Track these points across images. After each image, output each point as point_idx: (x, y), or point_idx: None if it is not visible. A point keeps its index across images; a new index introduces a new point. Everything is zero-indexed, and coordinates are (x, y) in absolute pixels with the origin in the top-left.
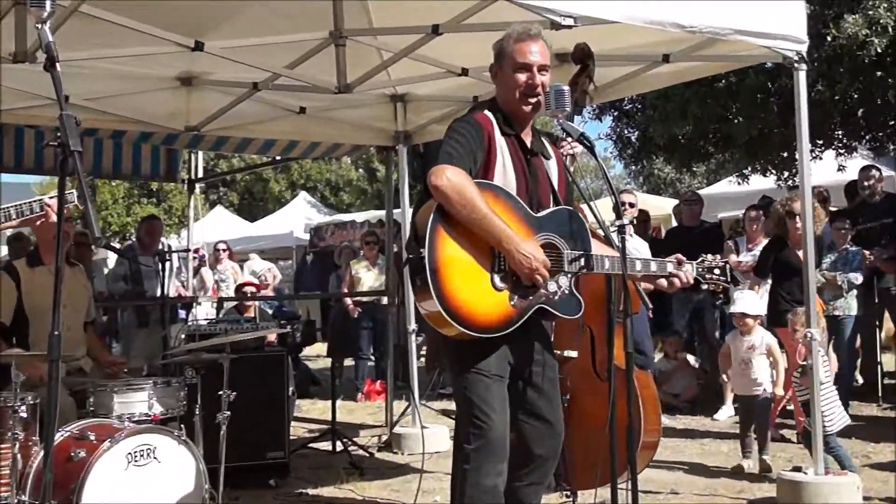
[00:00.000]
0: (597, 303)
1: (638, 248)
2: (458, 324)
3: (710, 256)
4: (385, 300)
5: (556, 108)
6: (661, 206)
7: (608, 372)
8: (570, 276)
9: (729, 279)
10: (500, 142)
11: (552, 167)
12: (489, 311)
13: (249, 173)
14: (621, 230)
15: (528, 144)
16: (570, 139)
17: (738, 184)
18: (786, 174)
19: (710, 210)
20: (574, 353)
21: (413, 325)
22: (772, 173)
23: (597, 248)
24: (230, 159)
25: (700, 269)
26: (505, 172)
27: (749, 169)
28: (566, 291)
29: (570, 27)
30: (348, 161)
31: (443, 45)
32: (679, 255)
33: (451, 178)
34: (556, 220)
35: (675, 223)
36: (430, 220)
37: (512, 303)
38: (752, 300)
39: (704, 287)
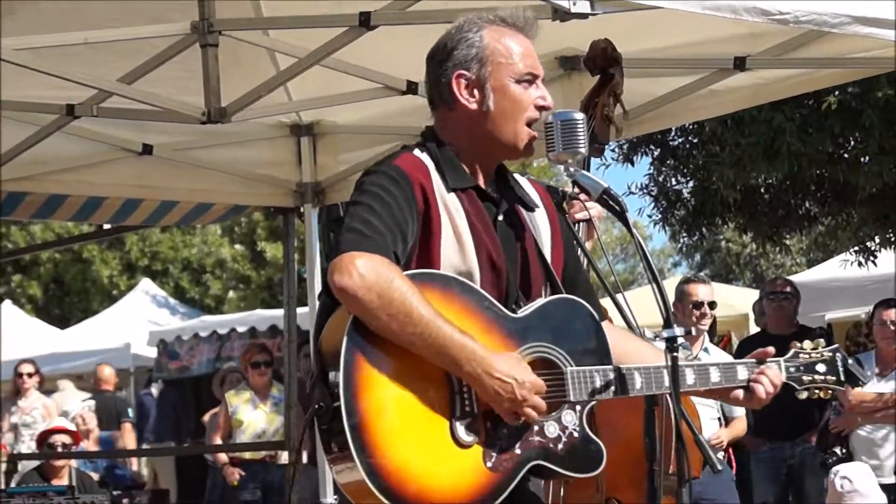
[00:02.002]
0: (630, 461)
1: None
2: None
3: (807, 343)
4: (285, 457)
5: (563, 150)
6: (731, 303)
7: None
8: (579, 409)
9: (842, 378)
10: (445, 200)
11: (540, 224)
12: (453, 483)
13: (59, 251)
14: (670, 344)
15: (491, 193)
16: (581, 197)
17: (860, 265)
18: None
19: (814, 307)
20: None
21: (331, 498)
22: None
23: (624, 347)
24: (30, 228)
25: (793, 368)
26: (459, 249)
27: (877, 240)
28: (576, 433)
29: (582, 16)
30: (218, 231)
31: (375, 45)
32: (760, 351)
33: (365, 273)
34: (548, 320)
35: (754, 328)
36: (343, 346)
37: (489, 464)
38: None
39: (803, 396)
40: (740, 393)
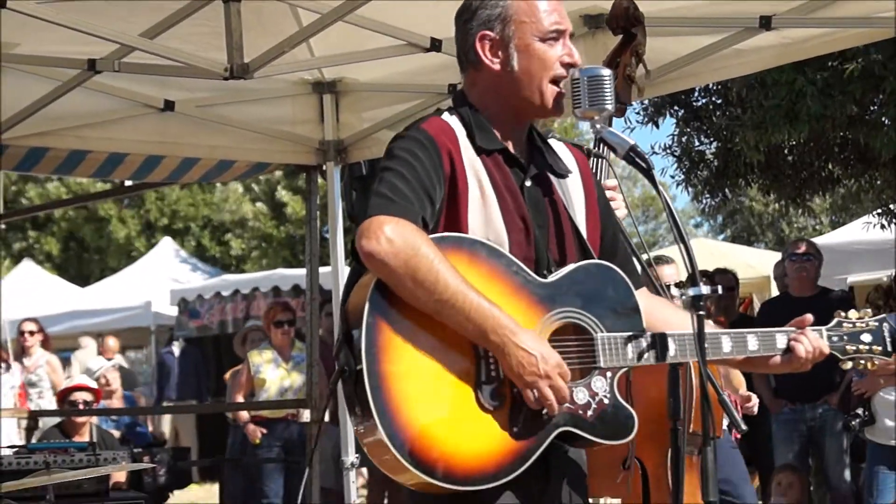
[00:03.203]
0: (650, 421)
1: None
2: (427, 472)
3: (853, 313)
4: (307, 415)
5: (590, 106)
6: (752, 263)
7: None
8: (609, 375)
9: (889, 348)
10: (474, 165)
11: (574, 191)
12: (478, 448)
13: (78, 208)
14: (696, 303)
15: (522, 158)
16: (606, 155)
17: (883, 227)
18: None
19: (836, 269)
20: (616, 503)
21: (352, 457)
22: None
23: (656, 314)
24: (46, 185)
25: (836, 337)
26: (486, 214)
27: None
28: (606, 400)
29: None
30: (240, 190)
31: (399, 2)
32: (798, 319)
33: (393, 238)
34: (579, 285)
35: (775, 291)
36: (365, 310)
37: (515, 429)
38: None
39: (848, 367)
40: (778, 358)
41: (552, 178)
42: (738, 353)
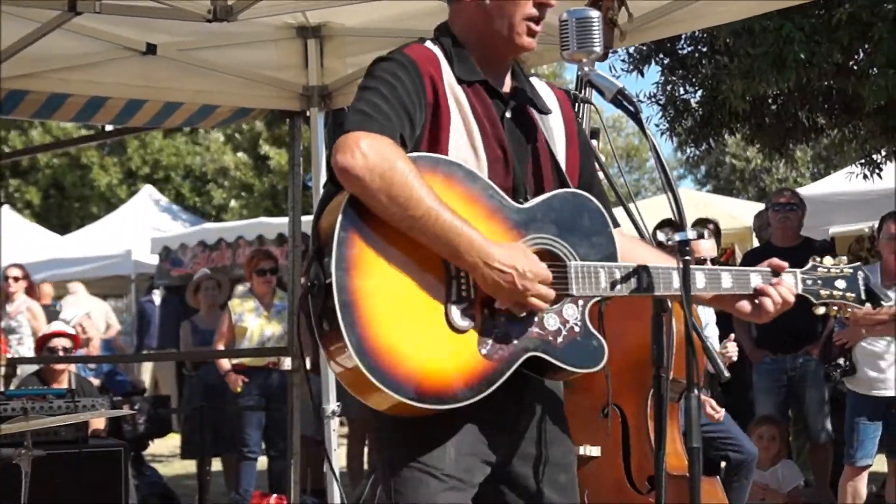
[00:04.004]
0: (629, 369)
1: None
2: (393, 388)
3: (828, 259)
4: (287, 363)
5: (577, 48)
6: (735, 214)
7: (657, 485)
8: (581, 304)
9: (863, 296)
10: (455, 92)
11: (554, 127)
12: (445, 367)
13: (59, 154)
14: (683, 248)
15: (505, 92)
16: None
17: (865, 178)
18: None
19: (818, 220)
20: (595, 451)
21: (333, 405)
22: None
23: (632, 252)
24: (28, 131)
25: (810, 281)
26: (467, 140)
27: (883, 153)
28: (577, 328)
29: None
30: (221, 138)
31: None
32: (775, 261)
33: (368, 153)
34: (554, 212)
35: (757, 242)
36: (336, 224)
37: (483, 350)
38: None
39: (820, 312)
40: (746, 305)
41: (534, 113)
42: (711, 289)
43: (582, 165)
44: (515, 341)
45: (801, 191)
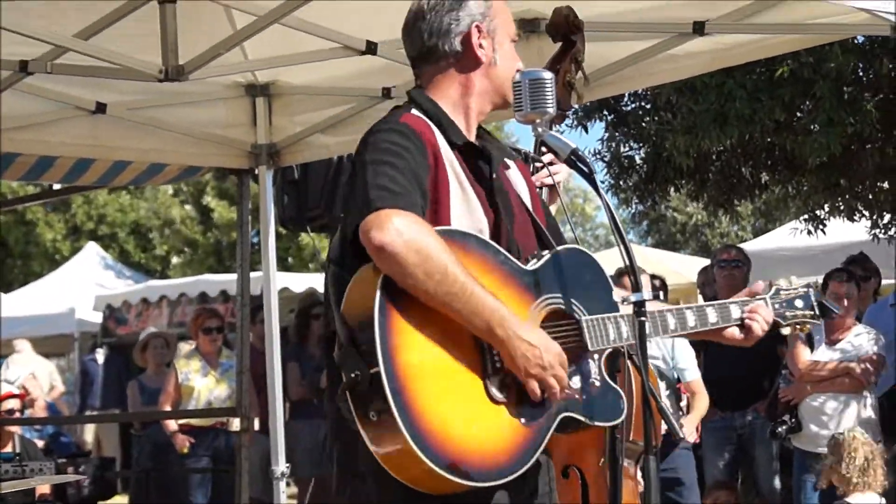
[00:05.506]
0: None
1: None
2: (450, 470)
3: (783, 282)
4: (236, 423)
5: (531, 110)
6: (679, 270)
7: None
8: (597, 357)
9: (817, 311)
10: (450, 158)
11: (516, 180)
12: (493, 442)
13: (4, 212)
14: (639, 309)
15: (482, 150)
16: (545, 159)
17: (809, 233)
18: (887, 217)
19: (762, 276)
20: None
21: (282, 467)
22: (863, 215)
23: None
24: None
25: (777, 305)
26: (466, 208)
27: (827, 208)
28: (597, 382)
29: None
30: (169, 191)
31: (334, 5)
32: (757, 284)
33: (403, 229)
34: (560, 271)
35: (701, 298)
36: (375, 307)
37: (523, 420)
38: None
39: (787, 332)
40: (735, 331)
41: (505, 169)
42: (700, 325)
43: (545, 212)
44: (548, 405)
45: (745, 246)
